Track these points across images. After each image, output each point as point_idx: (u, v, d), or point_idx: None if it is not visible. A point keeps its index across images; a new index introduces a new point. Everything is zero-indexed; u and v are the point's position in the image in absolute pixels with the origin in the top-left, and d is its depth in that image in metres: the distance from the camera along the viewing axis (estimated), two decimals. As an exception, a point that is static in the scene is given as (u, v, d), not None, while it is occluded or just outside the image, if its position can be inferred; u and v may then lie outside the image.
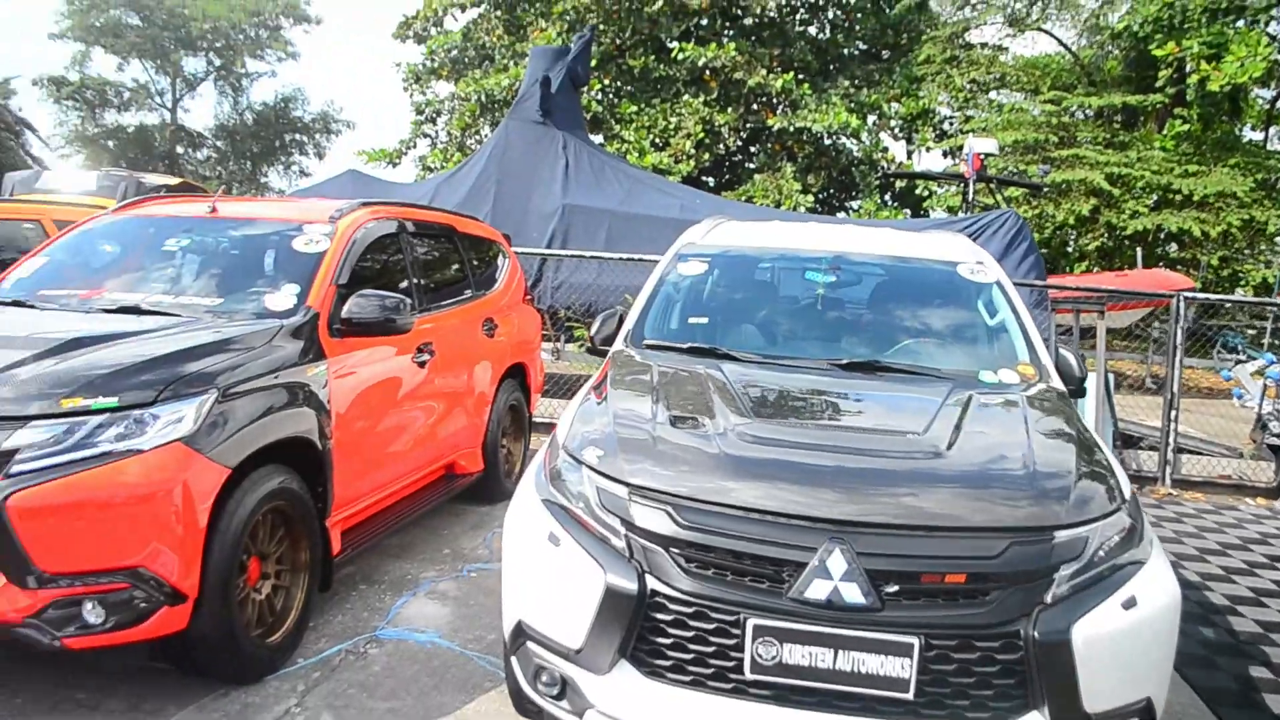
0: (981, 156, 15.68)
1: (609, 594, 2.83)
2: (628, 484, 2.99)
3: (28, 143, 34.36)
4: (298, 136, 39.39)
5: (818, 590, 2.72)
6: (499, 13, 21.24)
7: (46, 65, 46.65)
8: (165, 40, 34.89)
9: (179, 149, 37.78)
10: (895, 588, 2.74)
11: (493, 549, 5.55)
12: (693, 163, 18.70)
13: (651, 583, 2.83)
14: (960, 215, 13.96)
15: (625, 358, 4.17)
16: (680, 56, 19.05)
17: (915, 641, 2.69)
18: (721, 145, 19.67)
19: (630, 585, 2.82)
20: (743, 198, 18.25)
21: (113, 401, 3.36)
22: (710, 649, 2.80)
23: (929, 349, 4.37)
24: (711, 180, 21.23)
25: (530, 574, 3.13)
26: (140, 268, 4.98)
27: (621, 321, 4.56)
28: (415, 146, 21.49)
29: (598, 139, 16.86)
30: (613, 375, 3.89)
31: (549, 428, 8.39)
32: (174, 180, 13.85)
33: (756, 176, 19.47)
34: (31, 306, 4.53)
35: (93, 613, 3.24)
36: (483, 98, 19.47)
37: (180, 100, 37.93)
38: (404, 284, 5.31)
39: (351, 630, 4.39)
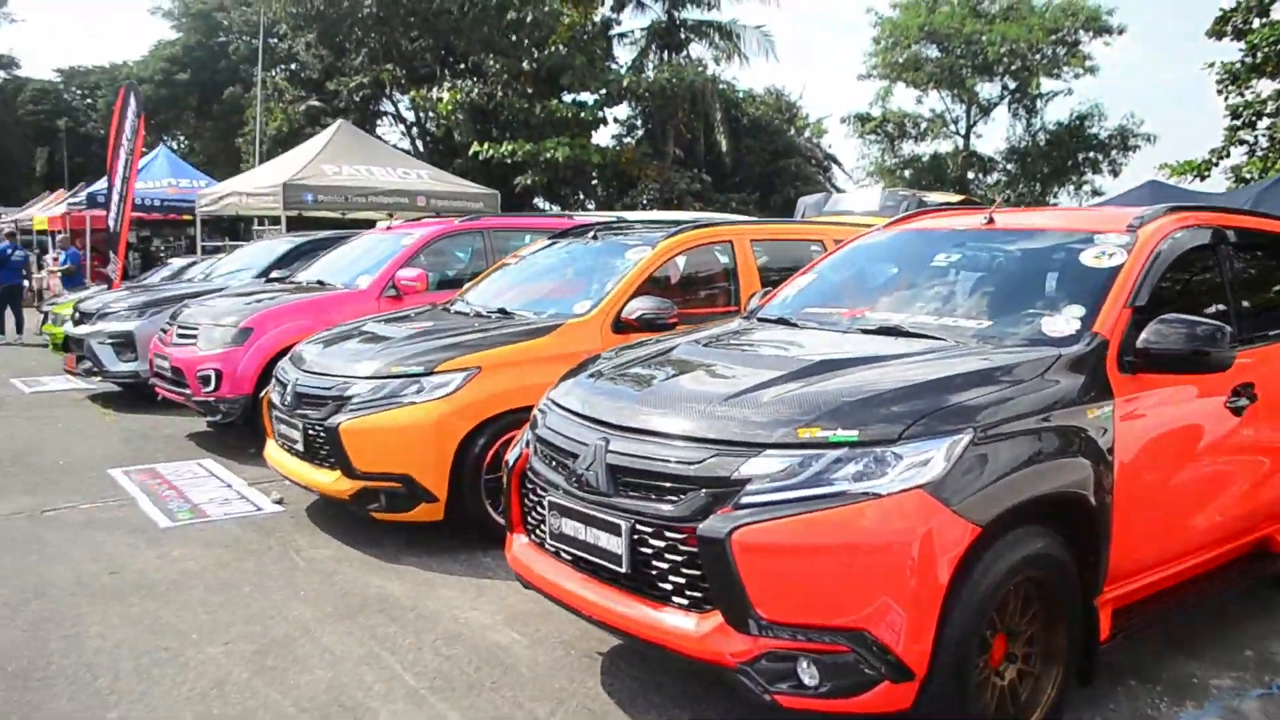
0: None
1: None
2: None
3: (833, 176, 38.11)
4: (1091, 154, 37.78)
5: None
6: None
7: (853, 104, 51.87)
8: (962, 69, 35.82)
9: (969, 174, 38.62)
10: None
11: (1324, 664, 4.18)
12: None
13: None
14: None
15: None
16: None
17: None
18: None
19: None
20: None
21: (852, 435, 2.96)
22: None
23: None
24: None
25: None
26: (907, 285, 4.67)
27: None
28: (1228, 155, 18.92)
29: None
30: None
31: None
32: (955, 197, 13.82)
33: None
34: (794, 325, 4.45)
35: (807, 672, 2.88)
36: (1319, 91, 16.41)
37: (973, 126, 38.79)
38: (1219, 308, 4.24)
39: (1117, 742, 3.51)
